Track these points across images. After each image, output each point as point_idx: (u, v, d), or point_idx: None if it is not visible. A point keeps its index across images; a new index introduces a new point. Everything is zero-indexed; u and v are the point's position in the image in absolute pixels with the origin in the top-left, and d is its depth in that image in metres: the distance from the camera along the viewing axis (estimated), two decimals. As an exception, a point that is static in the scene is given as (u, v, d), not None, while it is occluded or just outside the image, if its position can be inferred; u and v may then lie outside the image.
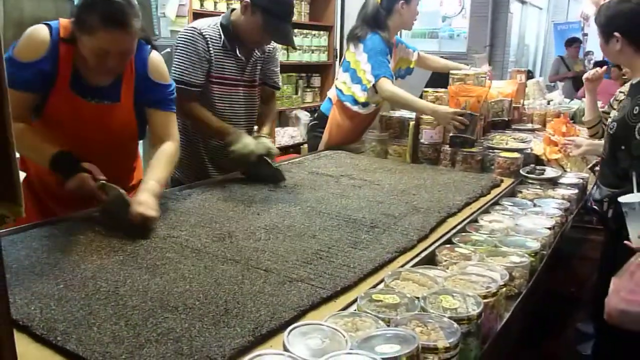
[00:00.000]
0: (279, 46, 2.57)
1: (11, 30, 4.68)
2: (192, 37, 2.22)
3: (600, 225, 2.45)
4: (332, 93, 3.13)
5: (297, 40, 6.01)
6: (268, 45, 2.42)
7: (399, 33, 3.17)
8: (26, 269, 1.34)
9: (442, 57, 3.60)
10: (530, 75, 4.65)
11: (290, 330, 1.00)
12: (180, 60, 2.22)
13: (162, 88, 1.92)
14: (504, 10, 8.68)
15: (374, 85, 2.83)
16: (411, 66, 3.32)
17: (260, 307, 1.19)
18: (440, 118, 2.66)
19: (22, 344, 1.05)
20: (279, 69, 2.55)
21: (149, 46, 1.89)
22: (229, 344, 1.05)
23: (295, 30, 5.98)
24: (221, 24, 2.28)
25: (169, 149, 1.90)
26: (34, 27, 1.70)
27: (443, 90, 2.90)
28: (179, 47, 2.24)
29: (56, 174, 1.72)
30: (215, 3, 4.97)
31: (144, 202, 1.64)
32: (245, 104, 2.42)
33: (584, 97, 2.98)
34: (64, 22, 1.74)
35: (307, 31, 6.07)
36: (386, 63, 2.86)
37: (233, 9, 2.34)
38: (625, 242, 1.75)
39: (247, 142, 2.18)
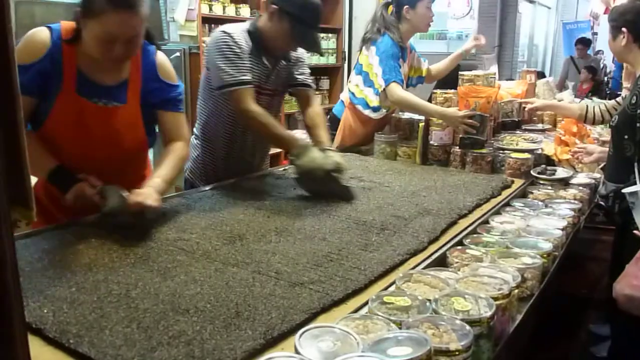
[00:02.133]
0: (306, 53, 2.49)
1: (23, 36, 4.73)
2: (227, 40, 2.14)
3: (609, 223, 2.45)
4: (344, 96, 3.13)
5: (306, 43, 6.02)
6: (294, 52, 2.36)
7: (412, 38, 3.16)
8: (38, 272, 1.35)
9: None
10: (540, 76, 4.63)
11: (302, 333, 0.99)
12: (225, 63, 2.13)
13: (172, 88, 1.91)
14: (513, 10, 8.66)
15: (384, 90, 2.83)
16: (422, 75, 3.30)
17: (271, 309, 1.19)
18: (450, 121, 2.65)
19: (35, 346, 1.06)
20: (306, 70, 2.45)
21: (154, 47, 1.88)
22: (240, 347, 1.05)
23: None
24: (248, 31, 2.22)
25: (178, 149, 1.90)
26: (33, 30, 1.69)
27: (452, 91, 2.90)
28: (217, 52, 2.14)
29: (55, 187, 1.72)
30: (224, 7, 5.00)
31: (143, 192, 1.64)
32: (266, 111, 2.35)
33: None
34: (65, 24, 1.72)
35: (316, 34, 6.07)
36: (397, 67, 2.86)
37: (260, 15, 2.29)
38: (635, 231, 1.76)
39: (314, 156, 2.04)
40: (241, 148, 2.39)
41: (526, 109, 3.02)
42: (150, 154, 2.15)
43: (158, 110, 1.91)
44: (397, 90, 2.81)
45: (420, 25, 3.00)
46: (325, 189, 2.06)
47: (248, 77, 2.15)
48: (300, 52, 2.42)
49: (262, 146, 2.51)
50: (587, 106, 2.80)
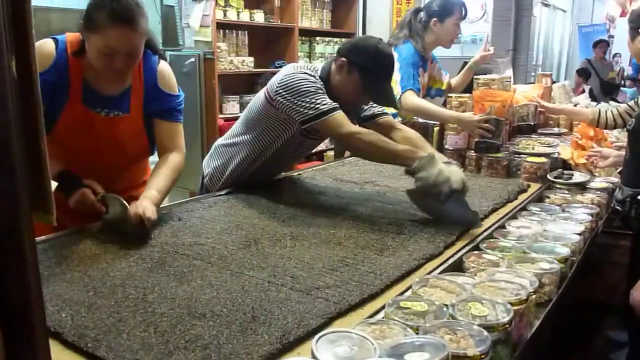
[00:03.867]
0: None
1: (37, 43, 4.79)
2: (308, 76, 1.99)
3: (626, 228, 2.41)
4: None
5: (319, 48, 6.04)
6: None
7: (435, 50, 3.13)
8: (57, 277, 1.36)
9: (465, 61, 3.57)
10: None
11: (319, 338, 0.99)
12: (311, 95, 1.94)
13: (170, 98, 1.92)
14: (527, 13, 8.60)
15: (400, 97, 2.83)
16: (442, 87, 3.27)
17: (287, 314, 1.19)
18: (466, 126, 2.64)
19: (54, 350, 1.06)
20: (372, 103, 2.24)
21: (157, 56, 1.91)
22: (257, 352, 1.05)
23: (317, 38, 6.02)
24: (321, 77, 2.06)
25: (173, 160, 1.90)
26: (39, 41, 1.72)
27: (467, 95, 2.89)
28: (297, 87, 1.96)
29: (60, 192, 1.74)
30: (239, 13, 5.03)
31: (142, 205, 1.67)
32: (305, 150, 2.34)
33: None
34: (70, 35, 1.77)
35: (329, 38, 6.09)
36: (415, 76, 2.85)
37: (332, 60, 2.11)
38: None
39: (441, 169, 1.80)
40: (278, 164, 2.34)
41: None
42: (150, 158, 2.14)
43: (155, 119, 1.92)
44: (412, 98, 2.80)
45: (445, 40, 2.99)
46: (445, 208, 1.83)
47: (336, 103, 1.98)
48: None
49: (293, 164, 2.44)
50: (599, 110, 2.78)
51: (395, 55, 2.84)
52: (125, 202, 1.68)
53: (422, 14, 2.98)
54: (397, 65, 2.85)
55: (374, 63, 1.98)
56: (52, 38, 1.76)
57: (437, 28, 2.93)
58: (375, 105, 2.23)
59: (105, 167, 1.88)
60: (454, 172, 1.82)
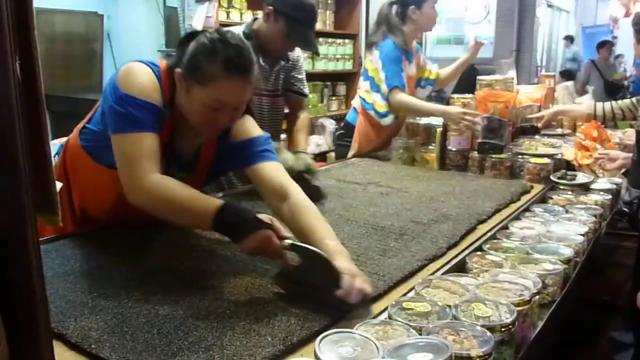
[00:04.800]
0: (303, 55, 2.56)
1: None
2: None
3: (632, 229, 2.41)
4: (356, 102, 3.11)
5: (322, 49, 6.03)
6: (292, 54, 2.41)
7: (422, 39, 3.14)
8: (61, 278, 1.36)
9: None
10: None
11: (322, 339, 0.99)
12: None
13: (253, 142, 1.61)
14: (530, 14, 8.58)
15: (387, 95, 2.84)
16: (431, 77, 3.26)
17: (290, 315, 1.19)
18: (450, 118, 2.65)
19: (58, 351, 1.06)
20: (303, 76, 2.53)
21: None
22: (260, 353, 1.05)
23: (320, 39, 6.01)
24: (244, 33, 2.23)
25: (309, 202, 1.52)
26: (139, 64, 1.49)
27: (470, 96, 2.88)
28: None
29: (222, 231, 1.40)
30: (241, 14, 5.03)
31: (356, 272, 1.27)
32: (269, 114, 2.42)
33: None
34: (164, 74, 1.50)
35: (332, 39, 6.08)
36: (399, 72, 2.85)
37: (255, 18, 2.35)
38: None
39: (285, 158, 2.01)
40: None
41: (539, 125, 3.03)
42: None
43: (251, 168, 1.60)
44: (397, 96, 2.82)
45: (426, 26, 3.00)
46: None
47: None
48: (297, 55, 2.46)
49: None
50: (595, 104, 2.78)
51: (377, 53, 2.86)
52: (334, 264, 1.25)
53: (396, 6, 2.94)
54: (380, 63, 2.87)
55: (297, 10, 2.16)
56: (148, 66, 1.49)
57: (416, 16, 2.89)
58: (301, 86, 2.48)
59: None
60: (299, 158, 2.08)
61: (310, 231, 1.41)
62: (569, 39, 11.46)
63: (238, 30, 2.26)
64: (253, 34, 2.26)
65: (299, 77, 2.51)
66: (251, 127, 1.64)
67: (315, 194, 2.04)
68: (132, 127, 1.42)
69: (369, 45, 2.99)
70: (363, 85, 3.00)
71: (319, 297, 1.24)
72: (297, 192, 1.52)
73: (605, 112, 2.73)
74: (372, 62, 2.92)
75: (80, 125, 1.68)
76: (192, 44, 1.43)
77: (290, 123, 2.51)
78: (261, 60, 2.28)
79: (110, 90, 1.46)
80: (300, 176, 2.05)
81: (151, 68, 1.49)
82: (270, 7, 2.19)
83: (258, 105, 2.35)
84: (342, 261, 1.28)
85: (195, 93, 1.42)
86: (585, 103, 2.97)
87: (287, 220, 1.47)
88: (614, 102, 2.77)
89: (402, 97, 2.83)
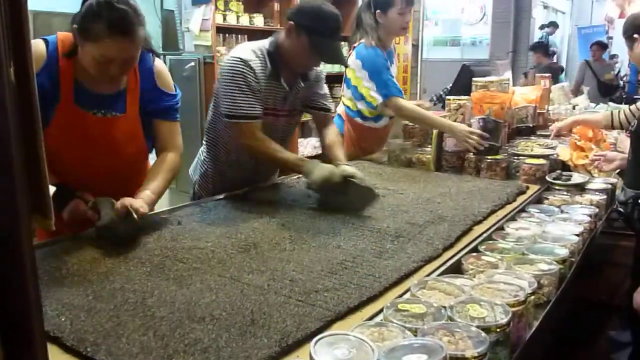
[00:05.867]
0: (323, 71, 2.43)
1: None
2: (244, 69, 2.07)
3: (628, 229, 2.42)
4: (340, 109, 3.06)
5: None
6: (312, 71, 2.30)
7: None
8: (56, 281, 1.36)
9: (464, 64, 3.57)
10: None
11: (317, 341, 0.99)
12: (233, 94, 2.07)
13: (168, 97, 1.91)
14: (526, 15, 8.62)
15: (385, 104, 2.81)
16: None
17: (286, 317, 1.19)
18: (457, 136, 2.64)
19: (53, 355, 1.07)
20: (325, 91, 2.42)
21: (151, 54, 1.87)
22: (256, 355, 1.05)
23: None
24: (268, 52, 2.15)
25: (170, 160, 1.90)
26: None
27: (466, 97, 2.89)
28: (227, 80, 2.08)
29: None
30: (238, 17, 5.04)
31: (129, 199, 1.64)
32: (282, 133, 2.34)
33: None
34: (62, 35, 1.73)
35: (329, 42, 6.08)
36: (391, 79, 2.82)
37: (278, 33, 2.22)
38: None
39: (326, 167, 2.03)
40: (243, 169, 2.36)
41: (551, 137, 3.04)
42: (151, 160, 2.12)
43: (153, 119, 1.91)
44: (401, 104, 2.79)
45: (393, 30, 2.91)
46: (347, 195, 2.00)
47: (258, 110, 2.10)
48: (319, 70, 2.36)
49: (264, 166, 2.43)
50: (611, 113, 2.78)
51: (359, 63, 2.81)
52: (114, 202, 1.64)
53: (369, 9, 2.89)
54: (365, 74, 2.82)
55: (317, 21, 2.05)
56: (42, 39, 1.72)
57: (382, 20, 2.83)
58: (324, 103, 2.40)
59: (102, 171, 1.85)
60: (340, 167, 2.05)
61: (146, 179, 1.84)
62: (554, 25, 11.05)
63: (262, 45, 2.17)
64: (277, 51, 2.16)
65: (322, 92, 2.40)
66: (170, 83, 1.93)
67: (369, 194, 2.03)
68: None
69: (350, 49, 2.94)
70: (346, 93, 2.97)
71: (115, 230, 1.60)
72: (170, 154, 1.92)
73: (622, 122, 2.74)
74: (355, 71, 2.87)
75: None
76: (85, 5, 1.62)
77: (322, 139, 2.42)
78: (282, 80, 2.17)
79: None
80: (347, 180, 2.01)
81: (46, 41, 1.71)
82: (291, 22, 2.08)
83: (274, 125, 2.25)
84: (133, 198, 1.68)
85: (86, 49, 1.65)
86: (602, 113, 2.97)
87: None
88: (626, 110, 2.78)
89: (408, 105, 2.82)
